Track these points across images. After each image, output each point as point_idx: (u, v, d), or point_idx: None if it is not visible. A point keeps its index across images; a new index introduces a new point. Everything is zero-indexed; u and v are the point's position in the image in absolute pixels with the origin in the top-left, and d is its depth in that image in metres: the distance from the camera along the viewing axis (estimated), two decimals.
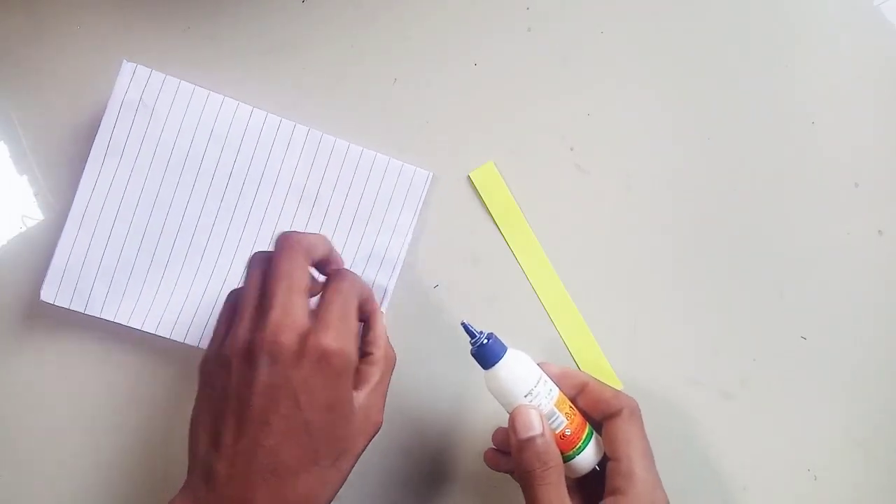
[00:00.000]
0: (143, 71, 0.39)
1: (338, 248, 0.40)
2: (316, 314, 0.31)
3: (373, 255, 0.40)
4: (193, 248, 0.39)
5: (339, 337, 0.30)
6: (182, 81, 0.39)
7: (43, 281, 0.38)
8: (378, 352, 0.34)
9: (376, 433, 0.33)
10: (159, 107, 0.39)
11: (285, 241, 0.32)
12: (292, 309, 0.30)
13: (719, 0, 0.43)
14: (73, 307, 0.38)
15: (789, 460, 0.41)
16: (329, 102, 0.42)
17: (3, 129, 0.41)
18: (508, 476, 0.36)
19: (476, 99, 0.42)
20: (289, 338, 0.29)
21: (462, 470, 0.40)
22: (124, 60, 0.38)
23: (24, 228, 0.41)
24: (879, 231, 0.42)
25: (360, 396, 0.32)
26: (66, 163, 0.41)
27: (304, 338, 0.30)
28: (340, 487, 0.31)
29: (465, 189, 0.42)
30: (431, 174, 0.40)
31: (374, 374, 0.33)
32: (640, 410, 0.35)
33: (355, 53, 0.42)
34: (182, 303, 0.39)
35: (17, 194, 0.41)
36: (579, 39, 0.43)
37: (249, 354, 0.30)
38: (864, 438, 0.41)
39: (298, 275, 0.31)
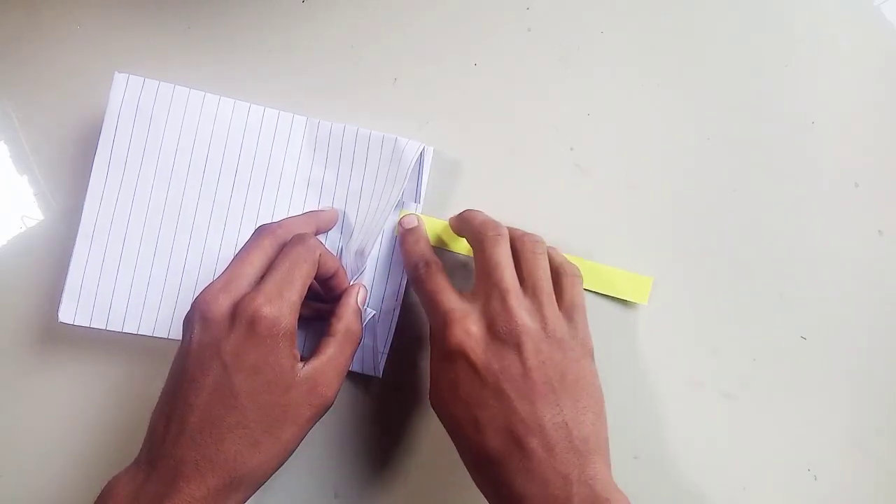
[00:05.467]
0: (135, 80, 0.38)
1: (350, 228, 0.40)
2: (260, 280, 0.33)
3: (384, 231, 0.40)
4: (208, 251, 0.39)
5: (270, 302, 0.31)
6: (176, 86, 0.39)
7: (59, 302, 0.38)
8: (338, 324, 0.34)
9: (325, 407, 0.33)
10: (157, 114, 0.39)
11: (255, 230, 0.35)
12: (235, 278, 0.32)
13: (719, 0, 0.43)
14: (94, 325, 0.38)
15: (789, 460, 0.41)
16: (329, 102, 0.42)
17: (3, 129, 0.42)
18: None
19: (476, 99, 0.42)
20: (222, 302, 0.31)
21: (463, 467, 0.40)
22: (115, 72, 0.38)
23: (24, 228, 0.41)
24: (879, 231, 0.42)
25: (307, 367, 0.32)
26: (66, 163, 0.41)
27: (237, 302, 0.31)
28: (284, 457, 0.32)
29: (465, 189, 0.42)
30: (428, 147, 0.40)
31: (329, 346, 0.33)
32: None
33: (355, 53, 0.42)
34: None
35: (17, 194, 0.41)
36: (579, 39, 0.43)
37: (190, 319, 0.32)
38: (864, 438, 0.41)
39: (253, 252, 0.33)
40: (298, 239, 0.34)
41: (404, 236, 0.39)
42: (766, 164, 0.42)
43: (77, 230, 0.38)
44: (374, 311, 0.38)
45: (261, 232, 0.34)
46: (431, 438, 0.40)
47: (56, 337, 0.40)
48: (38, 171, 0.41)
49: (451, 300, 0.34)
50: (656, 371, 0.41)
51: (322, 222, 0.39)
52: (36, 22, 0.42)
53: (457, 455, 0.40)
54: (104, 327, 0.38)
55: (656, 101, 0.42)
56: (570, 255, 0.40)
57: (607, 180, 0.42)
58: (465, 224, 0.38)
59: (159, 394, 0.32)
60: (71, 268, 0.38)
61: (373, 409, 0.40)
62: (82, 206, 0.38)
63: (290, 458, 0.32)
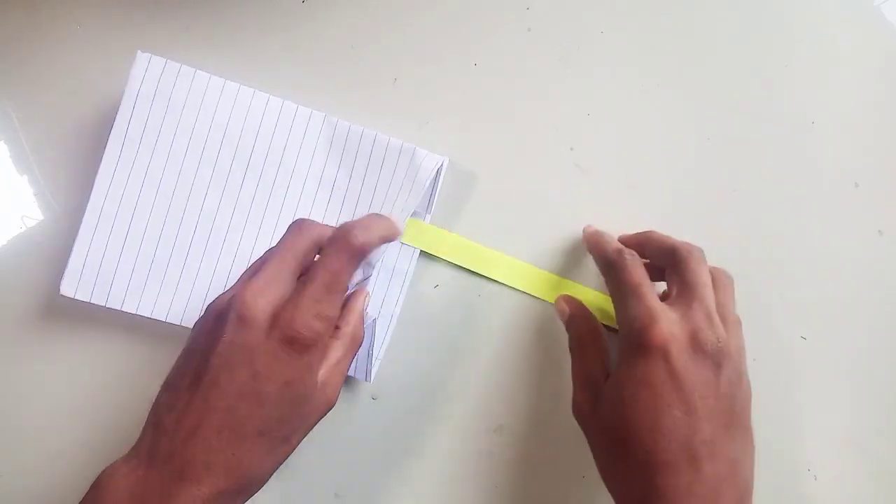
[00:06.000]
0: (157, 61, 0.38)
1: None
2: (299, 285, 0.31)
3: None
4: (214, 237, 0.39)
5: (311, 323, 0.30)
6: (197, 71, 0.39)
7: (62, 275, 0.38)
8: (346, 328, 0.34)
9: (329, 410, 0.33)
10: (175, 96, 0.39)
11: (294, 224, 0.33)
12: (275, 280, 0.31)
13: (719, 0, 0.43)
14: (94, 301, 0.38)
15: (789, 460, 0.41)
16: (329, 102, 0.41)
17: (3, 129, 0.42)
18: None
19: (476, 99, 0.42)
20: (262, 308, 0.30)
21: (463, 467, 0.40)
22: (138, 51, 0.38)
23: (24, 228, 0.41)
24: (879, 231, 0.42)
25: (320, 374, 0.32)
26: (66, 162, 0.41)
27: (279, 312, 0.30)
28: (286, 459, 0.32)
29: (466, 188, 0.42)
30: (446, 159, 0.40)
31: (336, 349, 0.33)
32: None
33: (355, 53, 0.42)
34: (205, 293, 0.39)
35: (17, 194, 0.41)
36: (579, 39, 0.43)
37: (223, 313, 0.30)
38: (864, 438, 0.41)
39: (292, 250, 0.32)
40: (343, 244, 0.32)
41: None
42: (766, 164, 0.42)
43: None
44: (374, 316, 0.38)
45: (301, 228, 0.33)
46: (431, 439, 0.40)
47: (57, 337, 0.40)
48: (38, 171, 0.41)
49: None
50: None
51: (390, 235, 0.35)
52: (36, 22, 0.42)
53: (455, 455, 0.40)
54: (104, 304, 0.38)
55: (656, 101, 0.42)
56: (585, 287, 0.40)
57: (607, 180, 0.42)
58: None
59: (161, 382, 0.31)
60: (76, 242, 0.38)
61: (373, 410, 0.40)
62: (92, 184, 0.38)
63: (290, 458, 0.32)
